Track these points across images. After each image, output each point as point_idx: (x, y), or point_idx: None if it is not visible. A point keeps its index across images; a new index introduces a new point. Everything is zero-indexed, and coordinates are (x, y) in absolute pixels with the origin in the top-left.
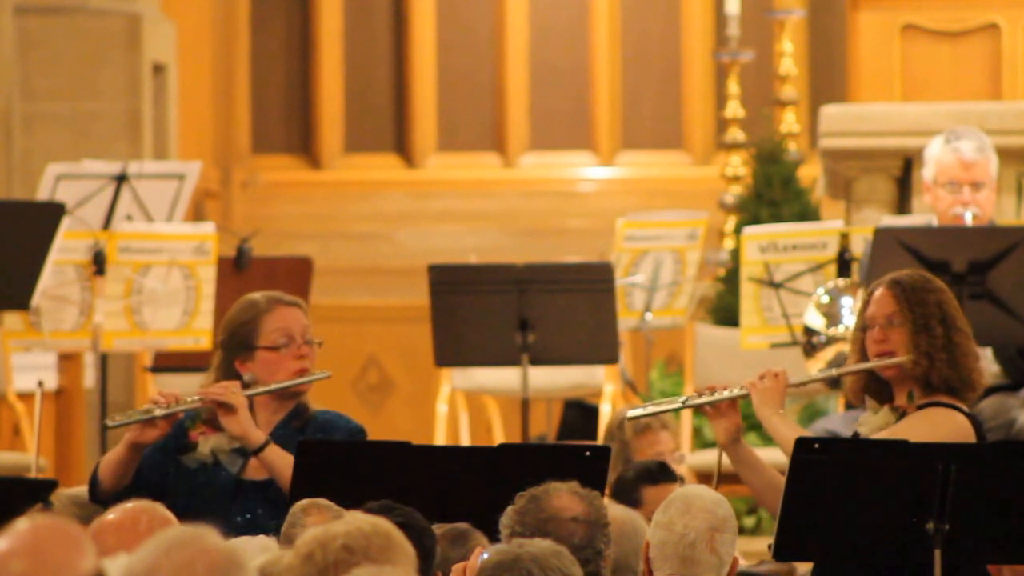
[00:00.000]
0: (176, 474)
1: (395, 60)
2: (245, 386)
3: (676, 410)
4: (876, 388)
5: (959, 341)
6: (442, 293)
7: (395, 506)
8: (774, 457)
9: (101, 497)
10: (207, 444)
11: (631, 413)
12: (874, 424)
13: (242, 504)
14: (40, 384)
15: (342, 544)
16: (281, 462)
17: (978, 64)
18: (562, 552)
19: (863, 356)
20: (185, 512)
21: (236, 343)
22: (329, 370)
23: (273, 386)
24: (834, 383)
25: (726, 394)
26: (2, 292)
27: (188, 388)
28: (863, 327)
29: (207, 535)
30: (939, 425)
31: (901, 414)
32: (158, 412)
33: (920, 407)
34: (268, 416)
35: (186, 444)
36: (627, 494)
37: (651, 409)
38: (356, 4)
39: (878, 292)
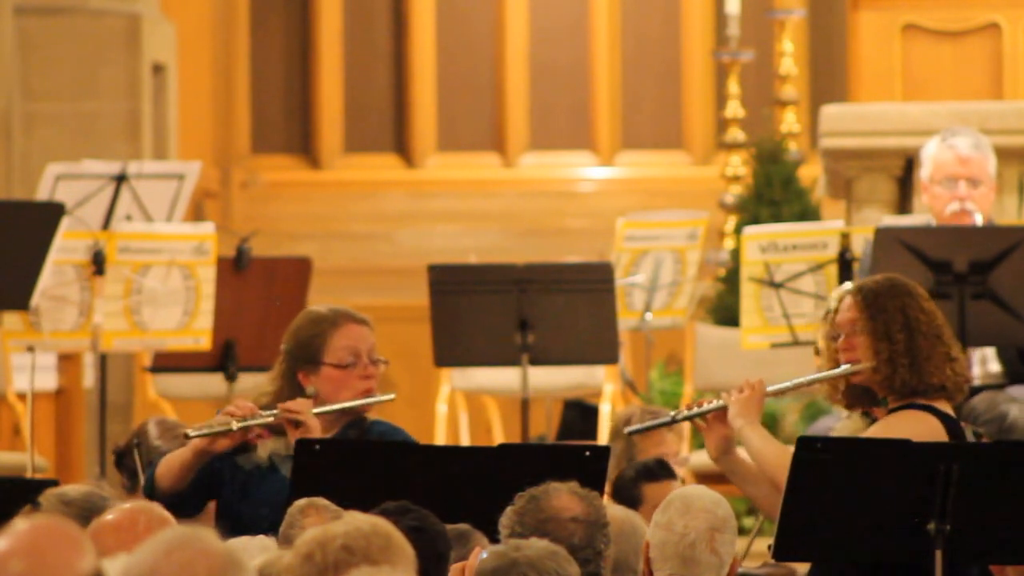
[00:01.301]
0: (230, 474)
1: (395, 60)
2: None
3: (667, 424)
4: (857, 393)
5: (923, 345)
6: (442, 293)
7: (412, 508)
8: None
9: (158, 496)
10: (265, 448)
11: (629, 429)
12: (845, 430)
13: None
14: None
15: (341, 544)
16: None
17: (979, 64)
18: (559, 552)
19: (835, 363)
20: (235, 513)
21: (302, 355)
22: (393, 392)
23: (338, 405)
24: None
25: (706, 407)
26: (2, 292)
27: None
28: (834, 335)
29: (206, 536)
30: (909, 428)
31: (872, 419)
32: (235, 425)
33: (892, 410)
34: (325, 427)
35: (243, 444)
36: (627, 492)
37: (648, 424)
38: (356, 4)
39: (845, 300)
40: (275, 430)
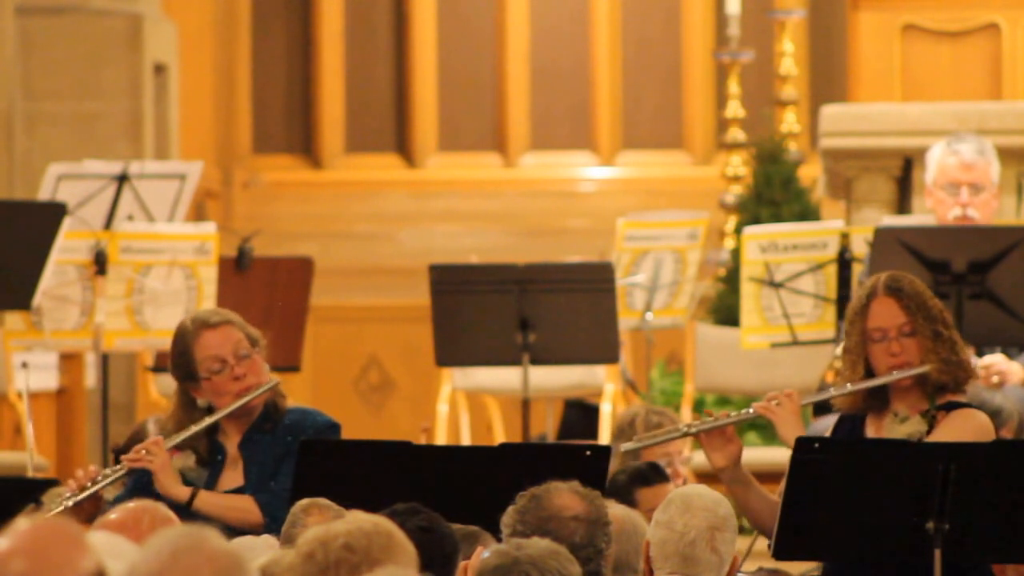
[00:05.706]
0: (156, 495)
1: (395, 60)
2: (210, 414)
3: (677, 438)
4: (871, 397)
5: (956, 339)
6: (443, 293)
7: (421, 509)
8: (774, 456)
9: None
10: (175, 464)
11: (625, 447)
12: (904, 432)
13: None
14: (27, 369)
15: (343, 543)
16: (215, 506)
17: (978, 64)
18: (560, 552)
19: (867, 367)
20: None
21: (182, 374)
22: (273, 377)
23: (193, 429)
24: None
25: (733, 418)
26: (4, 292)
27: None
28: (868, 339)
29: (212, 539)
30: (975, 427)
31: (931, 419)
32: (68, 501)
33: (938, 408)
34: (237, 425)
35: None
36: (621, 497)
37: (647, 442)
38: (357, 4)
39: (881, 301)
40: (180, 446)
